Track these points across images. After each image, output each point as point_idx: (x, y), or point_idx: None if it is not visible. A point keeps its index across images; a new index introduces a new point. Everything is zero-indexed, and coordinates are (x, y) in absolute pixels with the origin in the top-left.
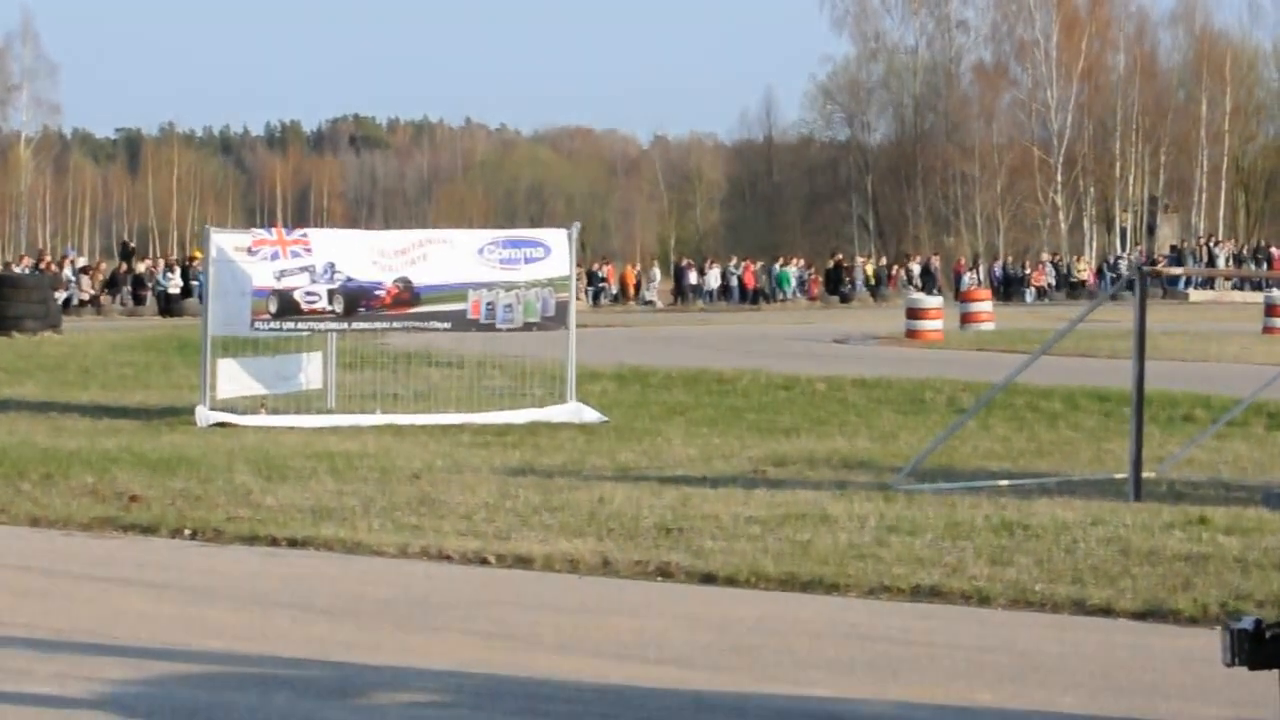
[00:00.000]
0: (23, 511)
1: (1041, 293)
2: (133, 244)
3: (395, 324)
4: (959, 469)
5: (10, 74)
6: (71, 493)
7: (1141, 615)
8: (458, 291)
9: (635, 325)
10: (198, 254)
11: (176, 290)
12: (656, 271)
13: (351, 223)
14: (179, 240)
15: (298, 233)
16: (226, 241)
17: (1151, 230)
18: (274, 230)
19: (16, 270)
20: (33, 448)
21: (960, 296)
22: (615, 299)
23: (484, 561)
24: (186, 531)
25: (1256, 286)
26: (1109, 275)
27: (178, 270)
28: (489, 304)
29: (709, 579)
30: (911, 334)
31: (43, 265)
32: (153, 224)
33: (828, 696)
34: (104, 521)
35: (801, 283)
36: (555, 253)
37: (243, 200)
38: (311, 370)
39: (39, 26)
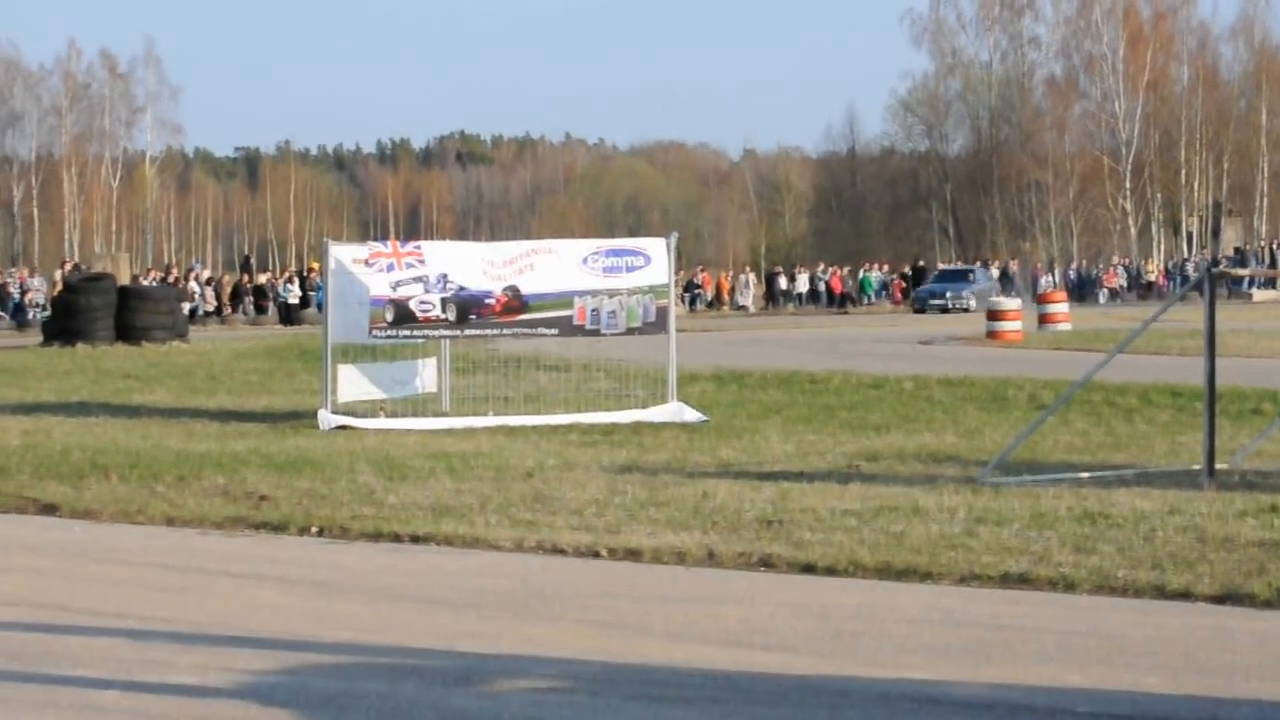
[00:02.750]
0: (159, 512)
1: (1114, 294)
2: (252, 257)
3: (505, 330)
4: (1042, 462)
5: (135, 97)
6: (204, 493)
7: (1219, 599)
8: (564, 299)
9: (730, 329)
10: (316, 266)
11: (296, 300)
12: (750, 278)
13: (460, 235)
14: (296, 253)
15: (411, 245)
16: (344, 254)
17: (1216, 234)
18: (389, 243)
19: (145, 283)
20: (166, 451)
21: (1038, 298)
22: (710, 304)
23: (596, 554)
24: (314, 529)
25: None
26: (1177, 277)
27: (297, 281)
28: (593, 310)
29: (809, 569)
30: (992, 335)
31: (170, 278)
32: (271, 238)
33: (925, 679)
34: (235, 520)
35: (885, 287)
36: (655, 261)
37: (356, 214)
38: (427, 375)
39: (161, 51)
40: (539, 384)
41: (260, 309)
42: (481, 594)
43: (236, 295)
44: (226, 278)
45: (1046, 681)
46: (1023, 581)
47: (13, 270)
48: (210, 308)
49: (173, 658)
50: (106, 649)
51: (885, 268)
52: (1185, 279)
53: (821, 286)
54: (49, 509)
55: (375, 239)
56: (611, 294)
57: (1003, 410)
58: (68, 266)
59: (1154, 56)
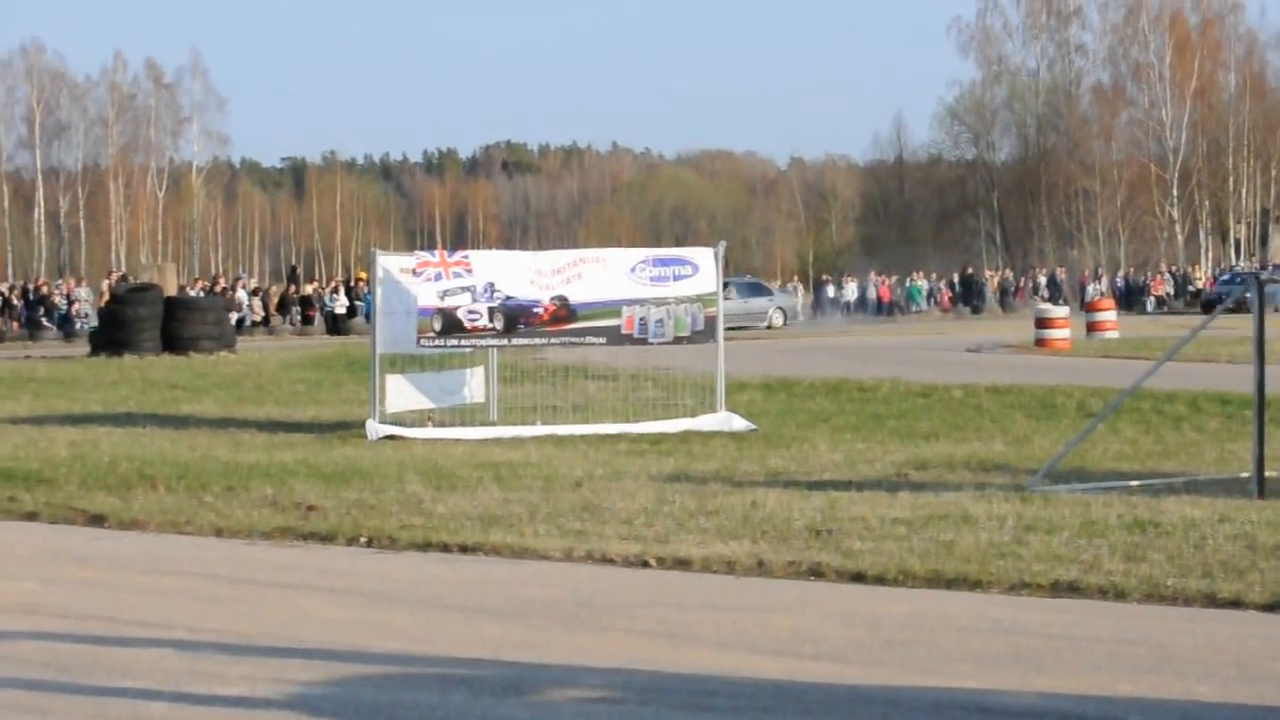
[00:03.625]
0: (207, 522)
1: (1161, 302)
2: (299, 267)
3: (553, 339)
4: (1091, 470)
5: (181, 107)
6: (252, 504)
7: (1270, 607)
8: (612, 308)
9: (778, 338)
10: (363, 275)
11: (343, 310)
12: (798, 286)
13: (506, 244)
14: (343, 263)
15: (459, 254)
16: (392, 264)
17: (1264, 241)
18: (436, 252)
19: (192, 293)
20: (214, 461)
21: (1085, 306)
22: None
23: (645, 564)
24: (363, 539)
25: None
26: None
27: (343, 291)
28: (641, 319)
29: (859, 578)
30: (1040, 342)
31: (217, 288)
32: (318, 247)
33: (976, 688)
34: (284, 531)
35: (931, 295)
36: (703, 270)
37: (403, 224)
38: (475, 384)
39: (208, 62)
40: (587, 393)
41: (307, 319)
42: (530, 604)
43: (283, 305)
44: (273, 288)
45: (1097, 690)
46: (1073, 590)
47: (60, 281)
48: (257, 318)
49: (221, 669)
50: (155, 660)
51: (934, 276)
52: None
53: (871, 294)
54: (97, 520)
55: (422, 249)
56: (659, 303)
57: (1051, 418)
58: (114, 277)
59: (1201, 64)
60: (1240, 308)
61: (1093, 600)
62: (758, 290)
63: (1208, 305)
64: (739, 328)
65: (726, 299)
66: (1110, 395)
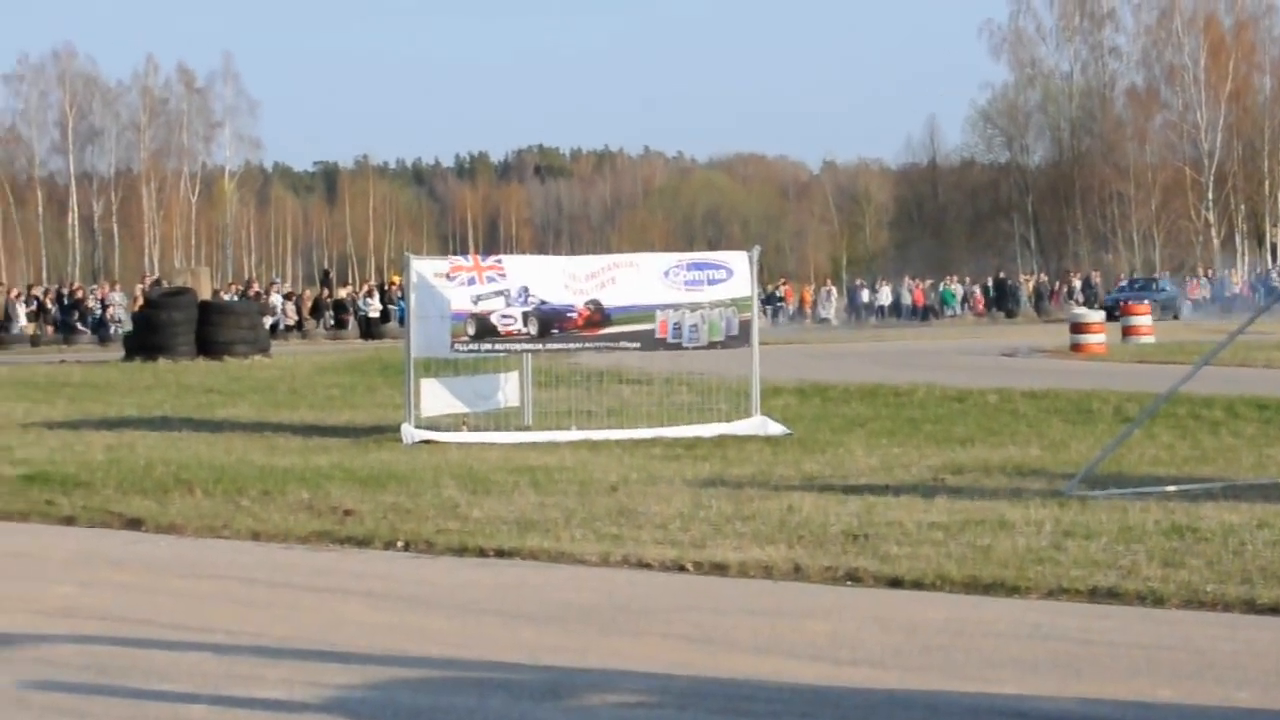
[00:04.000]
0: (244, 526)
1: (1196, 306)
2: (332, 271)
3: (587, 344)
4: (1128, 475)
5: (213, 112)
6: (289, 508)
7: None
8: (646, 313)
9: (812, 342)
10: (397, 279)
11: (376, 314)
12: (832, 290)
13: (539, 248)
14: (376, 267)
15: (492, 259)
16: (426, 268)
17: None
18: (470, 257)
19: (226, 298)
20: (250, 465)
21: (1121, 310)
22: (792, 317)
23: (682, 569)
24: (399, 543)
25: None
26: (1261, 288)
27: (377, 295)
28: (676, 324)
29: (896, 583)
30: (1075, 347)
31: (250, 293)
32: (351, 252)
33: (1015, 694)
34: (321, 535)
35: (965, 299)
36: (737, 274)
37: (436, 228)
38: (509, 389)
39: (239, 66)
40: (621, 397)
41: (340, 323)
42: (567, 608)
43: (316, 309)
44: (307, 292)
45: (1136, 696)
46: (1111, 595)
47: (94, 285)
48: (291, 322)
49: (260, 672)
50: (194, 663)
51: (967, 280)
52: (1270, 290)
53: (906, 298)
54: (134, 523)
55: (455, 253)
56: (694, 308)
57: (1088, 423)
58: (148, 281)
59: (1236, 66)
60: None
61: (1131, 606)
62: None
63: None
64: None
65: None
66: (1146, 400)
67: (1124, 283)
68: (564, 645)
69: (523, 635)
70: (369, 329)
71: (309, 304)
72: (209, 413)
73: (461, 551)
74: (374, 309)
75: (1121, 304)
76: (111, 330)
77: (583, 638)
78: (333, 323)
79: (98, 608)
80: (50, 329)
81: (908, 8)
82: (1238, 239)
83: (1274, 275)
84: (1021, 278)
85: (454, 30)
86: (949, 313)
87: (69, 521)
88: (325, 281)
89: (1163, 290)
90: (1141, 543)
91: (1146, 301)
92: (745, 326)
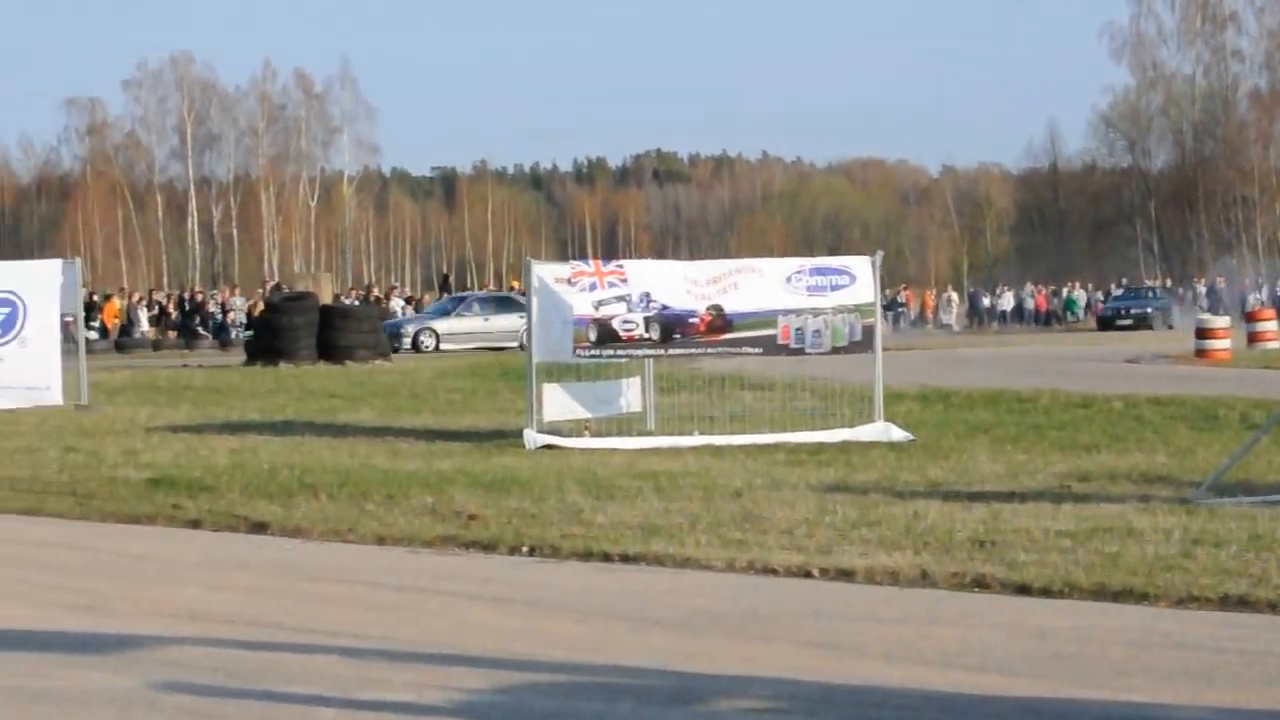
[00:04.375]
0: (369, 530)
1: None
2: (450, 276)
3: (709, 349)
4: (1256, 483)
5: (331, 117)
6: (413, 512)
7: None
8: (768, 318)
9: (934, 348)
10: (516, 284)
11: None
12: (953, 296)
13: (658, 253)
14: (494, 272)
15: (613, 264)
16: (547, 273)
17: None
18: (591, 262)
19: (347, 302)
20: (374, 470)
21: (1246, 316)
22: (914, 323)
23: (808, 574)
24: (524, 548)
25: None
26: None
27: None
28: (798, 329)
29: (1024, 590)
30: (1200, 353)
31: (371, 297)
32: (469, 256)
33: (1147, 702)
34: (445, 539)
35: (1088, 305)
36: (860, 279)
37: (554, 233)
38: (631, 394)
39: (357, 72)
40: (743, 403)
41: None
42: (694, 613)
43: None
44: (425, 297)
45: (1271, 705)
46: (1242, 604)
47: (214, 290)
48: None
49: (388, 675)
50: (323, 666)
51: (1090, 286)
52: None
53: (1028, 304)
54: (260, 527)
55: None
56: (816, 313)
57: (1214, 430)
58: (269, 286)
59: None
60: None
61: (1263, 615)
62: (507, 305)
63: None
64: (486, 348)
65: (470, 316)
66: (1273, 406)
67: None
68: (692, 650)
69: (650, 640)
70: None
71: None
72: (331, 417)
73: (587, 556)
74: None
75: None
76: (232, 335)
77: (710, 643)
78: None
79: (226, 610)
80: (172, 333)
81: (1027, 10)
82: None
83: None
84: (1145, 283)
85: (572, 36)
86: (1071, 318)
87: (195, 525)
88: (445, 286)
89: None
90: (1272, 551)
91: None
92: (868, 332)
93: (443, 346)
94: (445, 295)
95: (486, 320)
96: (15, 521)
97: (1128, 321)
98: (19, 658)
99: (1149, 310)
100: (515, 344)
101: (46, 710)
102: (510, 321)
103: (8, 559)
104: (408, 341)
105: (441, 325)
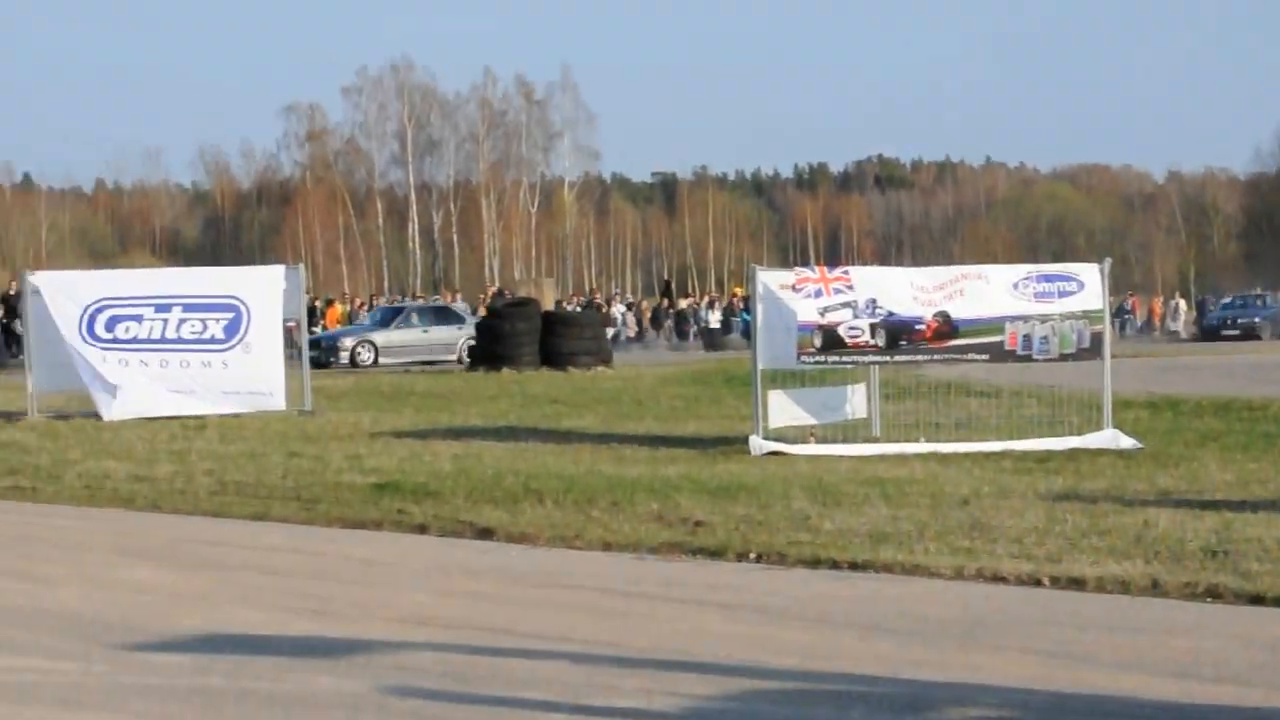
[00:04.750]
0: (595, 536)
1: None
2: (672, 282)
3: (935, 356)
4: None
5: (552, 123)
6: (638, 518)
7: None
8: (994, 324)
9: (1161, 355)
10: (738, 290)
11: (717, 325)
12: (1181, 303)
13: (881, 260)
14: (716, 278)
15: (838, 270)
16: (771, 280)
17: None
18: (816, 268)
19: (568, 308)
20: (598, 476)
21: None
22: (1140, 330)
23: (1038, 583)
24: (751, 555)
25: None
26: None
27: (718, 307)
28: (1025, 336)
29: (1257, 600)
30: None
31: (592, 303)
32: (690, 262)
33: None
34: (671, 546)
35: None
36: (1088, 286)
37: (775, 239)
38: (856, 401)
39: (577, 78)
40: (969, 410)
41: (681, 334)
42: (923, 621)
43: (656, 319)
44: (645, 303)
45: None
46: None
47: (435, 295)
48: (632, 333)
49: (617, 681)
50: (551, 672)
51: None
52: None
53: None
54: (485, 533)
55: (795, 264)
56: (1043, 319)
57: None
58: (491, 292)
59: None
60: None
61: None
62: (445, 317)
63: None
64: (426, 361)
65: (409, 328)
66: None
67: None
68: (922, 659)
69: (879, 648)
70: (711, 340)
71: (647, 315)
72: (554, 423)
73: (814, 564)
74: (714, 320)
75: None
76: None
77: (941, 651)
78: (674, 334)
79: (454, 616)
80: None
81: (1252, 11)
82: None
83: None
84: None
85: (791, 42)
86: None
87: (421, 530)
88: (666, 292)
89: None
90: None
91: None
92: (1096, 339)
93: (381, 360)
94: (665, 301)
95: (425, 332)
96: (243, 526)
97: (1234, 331)
98: (250, 661)
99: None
100: (453, 357)
101: (276, 713)
102: (449, 334)
103: (237, 564)
104: (345, 356)
105: (379, 338)
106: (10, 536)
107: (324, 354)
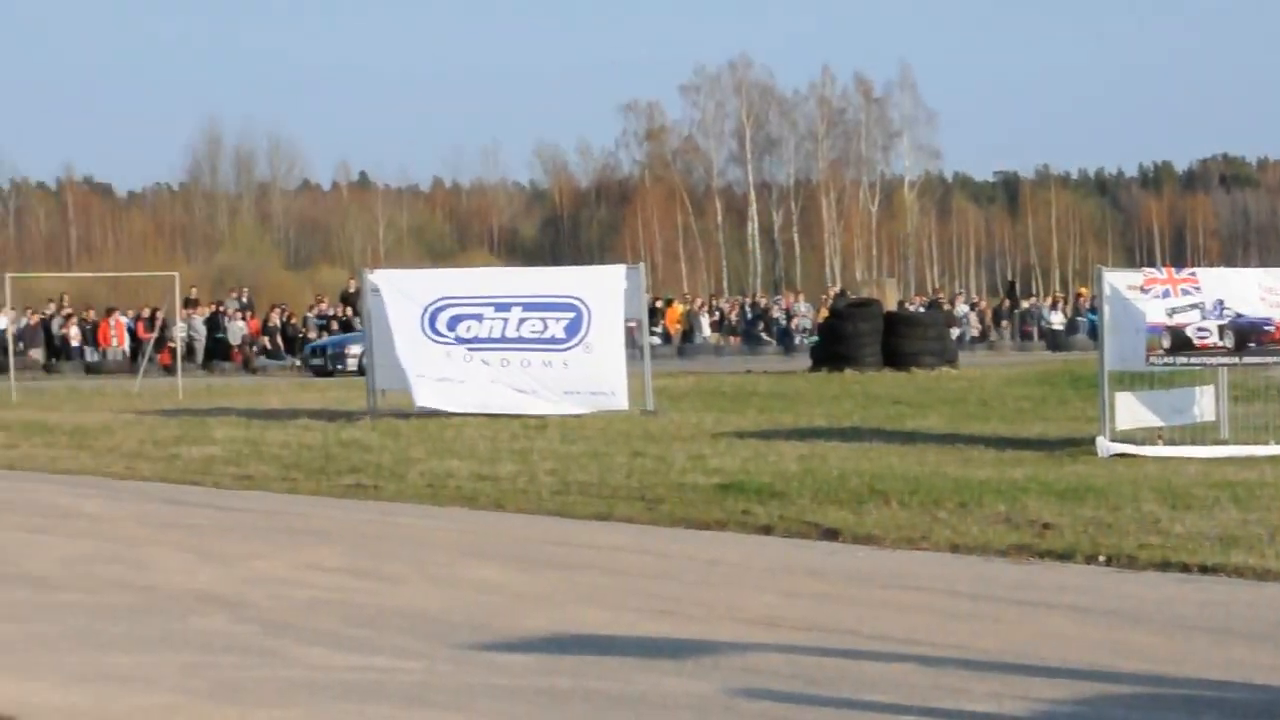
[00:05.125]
0: (942, 538)
1: None
2: (1016, 282)
3: None
4: None
5: (891, 121)
6: (985, 520)
7: None
8: None
9: None
10: (1084, 291)
11: (1060, 326)
12: None
13: (1226, 260)
14: (1060, 278)
15: (1186, 271)
16: (1119, 281)
17: None
18: (1163, 269)
19: (911, 309)
20: (944, 477)
21: None
22: None
23: None
24: (1100, 558)
25: None
26: None
27: (1061, 307)
28: None
29: None
30: None
31: (936, 303)
32: (1034, 262)
33: None
34: (1019, 548)
35: None
36: None
37: (1120, 239)
38: (1205, 403)
39: (917, 76)
40: None
41: (1025, 335)
42: (1276, 627)
43: (997, 320)
44: (985, 303)
45: None
46: None
47: (777, 296)
48: (975, 333)
49: (967, 684)
50: (899, 675)
51: None
52: None
53: None
54: (830, 534)
55: (1140, 264)
56: None
57: None
58: (832, 292)
59: None
60: None
61: None
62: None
63: None
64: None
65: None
66: None
67: None
68: (1276, 664)
69: (1233, 653)
70: (1055, 341)
71: (989, 315)
72: (898, 424)
73: (1165, 567)
74: (1057, 321)
75: None
76: (796, 341)
77: None
78: (1018, 335)
79: (801, 617)
80: (734, 339)
81: None
82: None
83: None
84: None
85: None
86: None
87: (766, 531)
88: (1010, 293)
89: None
90: None
91: None
92: None
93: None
94: (1008, 301)
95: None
96: (587, 526)
97: None
98: (597, 661)
99: None
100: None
101: (624, 714)
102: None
103: (582, 563)
104: (353, 363)
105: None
106: (355, 535)
107: (329, 361)
